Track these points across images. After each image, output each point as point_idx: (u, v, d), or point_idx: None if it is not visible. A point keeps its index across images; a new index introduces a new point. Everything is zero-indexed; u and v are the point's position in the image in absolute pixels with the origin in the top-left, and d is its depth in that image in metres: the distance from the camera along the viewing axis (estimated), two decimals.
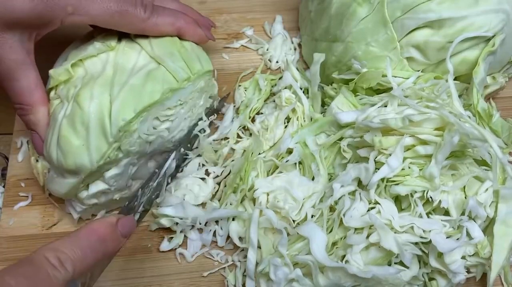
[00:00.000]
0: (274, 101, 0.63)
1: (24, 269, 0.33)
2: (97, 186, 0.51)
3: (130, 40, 0.53)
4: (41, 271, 0.33)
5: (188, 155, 0.59)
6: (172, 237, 0.56)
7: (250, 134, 0.61)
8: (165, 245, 0.56)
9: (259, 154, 0.57)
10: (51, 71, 0.51)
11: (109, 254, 0.40)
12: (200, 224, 0.55)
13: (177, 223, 0.55)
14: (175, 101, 0.53)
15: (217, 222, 0.56)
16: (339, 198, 0.51)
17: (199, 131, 0.59)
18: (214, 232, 0.56)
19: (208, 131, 0.60)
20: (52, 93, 0.52)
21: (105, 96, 0.48)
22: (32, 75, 0.50)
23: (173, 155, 0.56)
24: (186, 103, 0.54)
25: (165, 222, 0.55)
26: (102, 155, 0.48)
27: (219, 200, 0.58)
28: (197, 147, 0.60)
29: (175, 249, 0.56)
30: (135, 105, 0.48)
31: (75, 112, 0.48)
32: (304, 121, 0.59)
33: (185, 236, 0.56)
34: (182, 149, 0.58)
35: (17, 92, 0.49)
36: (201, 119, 0.59)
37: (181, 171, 0.59)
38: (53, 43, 0.54)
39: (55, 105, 0.51)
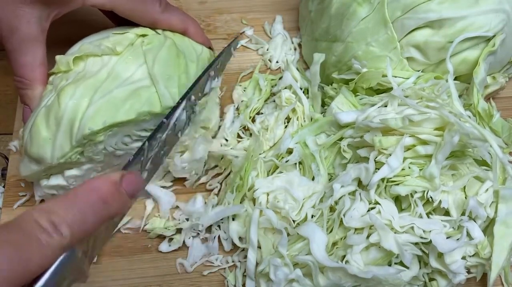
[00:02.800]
0: (274, 101, 0.63)
1: (11, 236, 0.28)
2: (57, 179, 0.52)
3: (138, 50, 0.52)
4: (31, 237, 0.28)
5: (197, 106, 0.53)
6: (172, 239, 0.56)
7: (250, 134, 0.61)
8: (164, 247, 0.56)
9: (260, 154, 0.57)
10: (57, 57, 0.51)
11: (113, 216, 0.34)
12: (202, 226, 0.54)
13: (179, 229, 0.56)
14: (153, 124, 0.50)
15: (219, 226, 0.56)
16: (339, 198, 0.51)
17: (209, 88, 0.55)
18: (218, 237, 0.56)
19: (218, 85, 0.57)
20: (51, 78, 0.52)
21: (85, 99, 0.48)
22: (39, 52, 0.51)
23: (183, 104, 0.49)
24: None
25: (166, 232, 0.56)
26: (63, 155, 0.48)
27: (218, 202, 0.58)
28: (206, 94, 0.55)
29: (175, 250, 0.56)
30: (107, 118, 0.47)
31: (53, 105, 0.48)
32: (304, 121, 0.59)
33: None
34: (193, 97, 0.52)
35: (22, 65, 0.50)
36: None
37: (189, 125, 0.53)
38: (65, 30, 0.55)
39: (47, 90, 0.51)
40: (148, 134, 0.50)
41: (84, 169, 0.51)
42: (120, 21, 0.56)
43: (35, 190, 0.55)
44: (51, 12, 0.51)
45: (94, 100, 0.48)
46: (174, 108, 0.48)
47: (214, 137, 0.61)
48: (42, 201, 0.56)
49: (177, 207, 0.58)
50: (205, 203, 0.57)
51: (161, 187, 0.59)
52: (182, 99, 0.49)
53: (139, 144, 0.51)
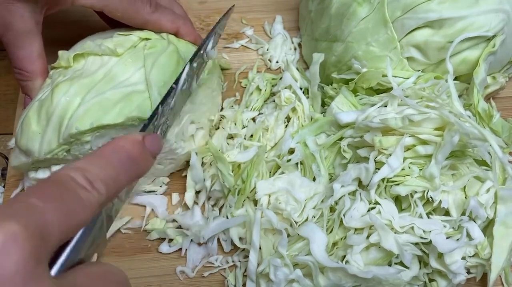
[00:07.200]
0: (274, 101, 0.63)
1: (52, 190, 0.27)
2: (44, 173, 0.52)
3: (139, 53, 0.52)
4: (72, 193, 0.28)
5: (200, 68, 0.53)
6: (172, 240, 0.56)
7: (251, 135, 0.61)
8: (165, 248, 0.56)
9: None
10: (60, 52, 0.52)
11: (140, 174, 0.34)
12: (203, 239, 0.54)
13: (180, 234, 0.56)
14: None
15: None
16: (339, 198, 0.51)
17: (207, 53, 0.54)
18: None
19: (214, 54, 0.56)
20: (51, 72, 0.52)
21: (77, 98, 0.48)
22: (36, 45, 0.52)
23: (187, 69, 0.49)
24: None
25: (169, 232, 0.56)
26: (50, 150, 0.48)
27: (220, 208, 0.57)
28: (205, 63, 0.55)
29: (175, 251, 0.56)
30: (95, 119, 0.47)
31: (46, 100, 0.48)
32: (305, 120, 0.59)
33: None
34: (195, 64, 0.51)
35: (20, 58, 0.51)
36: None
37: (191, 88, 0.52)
38: (71, 29, 0.56)
39: (46, 83, 0.51)
40: None
41: None
42: (112, 21, 0.56)
43: (24, 180, 0.55)
44: (43, 6, 0.51)
45: (86, 99, 0.48)
46: (180, 74, 0.48)
47: (217, 128, 0.61)
48: None
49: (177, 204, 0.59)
50: (202, 214, 0.57)
51: (151, 191, 0.59)
52: (186, 64, 0.49)
53: None
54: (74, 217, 0.27)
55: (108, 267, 0.30)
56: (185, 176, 0.59)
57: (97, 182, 0.29)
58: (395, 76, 0.55)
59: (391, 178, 0.48)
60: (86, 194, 0.28)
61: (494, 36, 0.54)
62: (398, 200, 0.50)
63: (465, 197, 0.49)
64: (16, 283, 0.22)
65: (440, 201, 0.48)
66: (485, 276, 0.52)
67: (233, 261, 0.55)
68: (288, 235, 0.51)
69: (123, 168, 0.31)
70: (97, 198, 0.29)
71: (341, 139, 0.54)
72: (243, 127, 0.60)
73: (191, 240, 0.56)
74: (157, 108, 0.44)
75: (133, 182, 0.34)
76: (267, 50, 0.69)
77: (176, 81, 0.48)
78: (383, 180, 0.49)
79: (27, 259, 0.23)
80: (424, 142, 0.49)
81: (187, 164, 0.58)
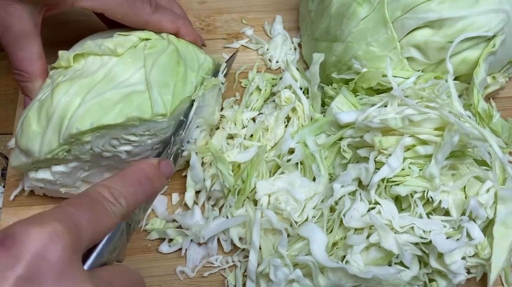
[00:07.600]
0: (274, 101, 0.63)
1: (84, 202, 0.33)
2: (44, 173, 0.52)
3: (139, 53, 0.51)
4: (99, 204, 0.33)
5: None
6: (172, 240, 0.56)
7: (251, 135, 0.61)
8: (165, 248, 0.56)
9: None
10: (60, 52, 0.52)
11: (155, 192, 0.40)
12: (203, 238, 0.54)
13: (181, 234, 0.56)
14: (142, 130, 0.50)
15: None
16: (339, 199, 0.51)
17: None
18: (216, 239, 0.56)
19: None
20: (51, 72, 0.53)
21: (77, 98, 0.48)
22: (36, 46, 0.52)
23: (195, 105, 0.53)
24: (156, 135, 0.51)
25: (169, 232, 0.56)
26: (51, 151, 0.48)
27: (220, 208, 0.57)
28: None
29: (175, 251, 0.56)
30: (95, 119, 0.47)
31: (46, 100, 0.48)
32: (305, 120, 0.59)
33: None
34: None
35: (20, 60, 0.52)
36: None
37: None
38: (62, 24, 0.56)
39: (46, 83, 0.51)
40: (137, 139, 0.51)
41: (71, 167, 0.52)
42: (110, 22, 0.56)
43: (24, 181, 0.55)
44: (42, 8, 0.51)
45: (86, 99, 0.48)
46: (189, 110, 0.54)
47: (217, 128, 0.61)
48: (31, 191, 0.57)
49: (177, 204, 0.59)
50: (202, 214, 0.57)
51: None
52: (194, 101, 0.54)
53: (127, 147, 0.51)
54: (101, 224, 0.33)
55: (126, 267, 0.36)
56: (185, 176, 0.59)
57: (120, 197, 0.35)
58: (395, 76, 0.55)
59: (391, 178, 0.48)
60: (111, 207, 0.34)
61: (494, 36, 0.54)
62: (398, 200, 0.50)
63: (465, 197, 0.49)
64: (62, 263, 0.28)
65: (440, 201, 0.48)
66: (485, 276, 0.52)
67: (233, 261, 0.55)
68: (288, 235, 0.51)
69: (141, 186, 0.37)
70: (120, 210, 0.34)
71: (341, 139, 0.54)
72: (243, 127, 0.60)
73: (191, 240, 0.56)
74: (170, 137, 0.52)
75: (149, 198, 0.40)
76: (267, 50, 0.69)
77: (186, 115, 0.53)
78: (383, 180, 0.49)
79: (68, 250, 0.29)
80: (424, 142, 0.49)
81: (187, 164, 0.58)
